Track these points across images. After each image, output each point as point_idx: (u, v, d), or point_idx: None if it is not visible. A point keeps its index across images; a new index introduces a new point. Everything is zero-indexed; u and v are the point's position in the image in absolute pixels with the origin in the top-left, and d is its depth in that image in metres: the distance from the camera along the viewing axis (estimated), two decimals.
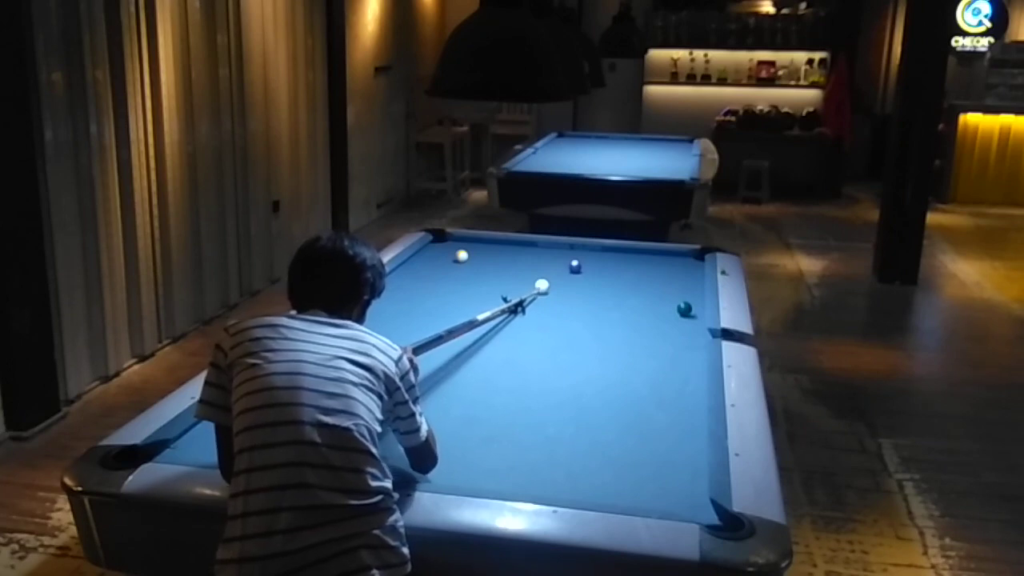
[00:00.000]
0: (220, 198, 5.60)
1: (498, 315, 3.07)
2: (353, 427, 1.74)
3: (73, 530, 2.46)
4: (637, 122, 10.30)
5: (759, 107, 10.50)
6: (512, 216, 6.51)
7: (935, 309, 6.61)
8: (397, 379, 1.88)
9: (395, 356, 1.91)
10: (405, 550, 1.75)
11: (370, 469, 1.74)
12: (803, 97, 10.49)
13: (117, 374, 4.66)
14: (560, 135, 8.50)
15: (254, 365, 1.79)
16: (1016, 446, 4.18)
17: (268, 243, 6.26)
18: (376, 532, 1.71)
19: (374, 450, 1.76)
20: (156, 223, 4.95)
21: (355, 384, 1.80)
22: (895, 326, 6.10)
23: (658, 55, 10.50)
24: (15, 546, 3.20)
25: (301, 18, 6.62)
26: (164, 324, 5.06)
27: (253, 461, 1.71)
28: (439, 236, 4.40)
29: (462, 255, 3.99)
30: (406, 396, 1.90)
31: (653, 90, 10.69)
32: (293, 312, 2.00)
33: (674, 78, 10.75)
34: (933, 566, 3.18)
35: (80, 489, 1.95)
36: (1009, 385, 4.92)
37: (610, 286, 3.69)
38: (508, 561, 1.81)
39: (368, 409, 1.79)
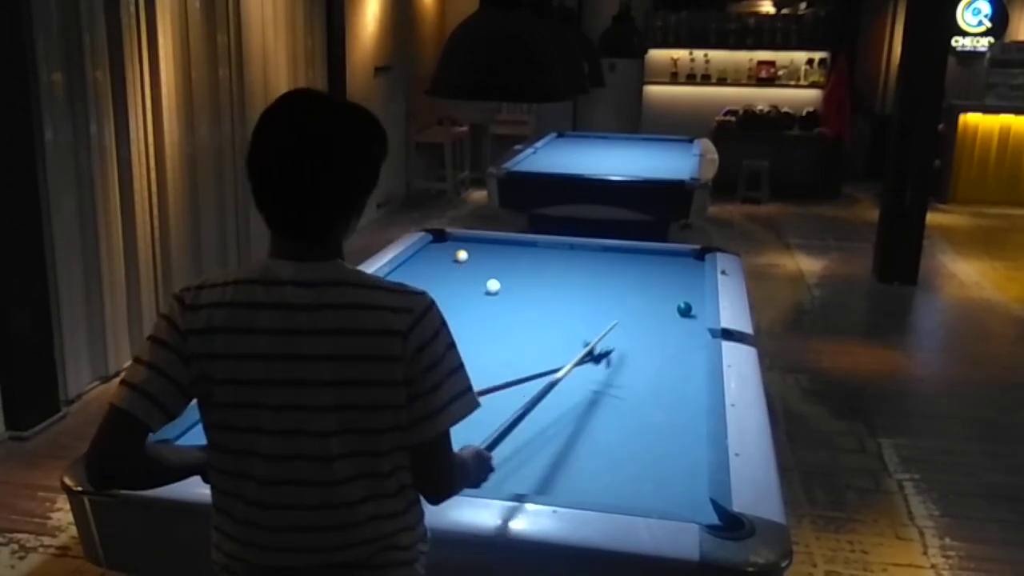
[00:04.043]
0: (220, 198, 5.60)
1: (578, 363, 2.58)
2: None
3: (73, 530, 2.46)
4: (637, 122, 10.30)
5: (759, 107, 10.50)
6: (512, 216, 6.51)
7: (935, 309, 6.61)
8: None
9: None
10: None
11: None
12: (803, 97, 10.49)
13: (117, 374, 4.66)
14: (560, 135, 8.50)
15: None
16: (1016, 446, 4.18)
17: (268, 243, 6.25)
18: None
19: None
20: (156, 223, 4.95)
21: None
22: (895, 326, 6.10)
23: (658, 55, 10.51)
24: (15, 546, 3.20)
25: (301, 18, 6.62)
26: None
27: None
28: (439, 236, 4.40)
29: (462, 255, 3.99)
30: None
31: (653, 90, 10.69)
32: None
33: (674, 78, 10.75)
34: (933, 566, 3.18)
35: (80, 489, 1.95)
36: (1009, 385, 4.92)
37: (610, 286, 3.69)
38: (508, 561, 1.81)
39: None
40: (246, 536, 1.45)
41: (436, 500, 1.55)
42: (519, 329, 3.15)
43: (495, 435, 1.98)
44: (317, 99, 1.46)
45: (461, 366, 1.47)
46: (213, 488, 1.51)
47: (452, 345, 1.47)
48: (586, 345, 2.68)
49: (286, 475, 1.41)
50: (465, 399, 1.46)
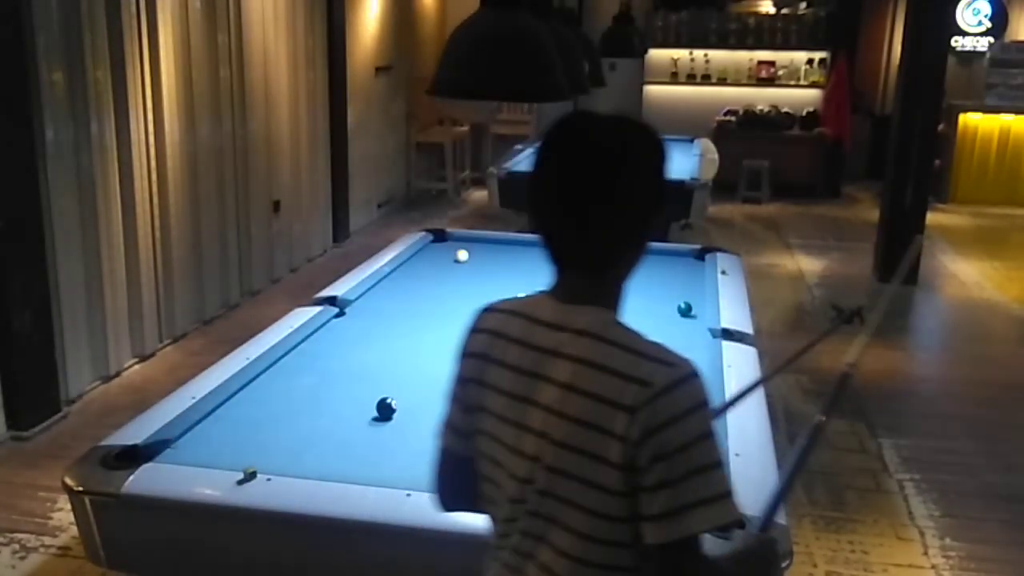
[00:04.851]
0: (220, 198, 5.60)
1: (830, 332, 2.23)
2: None
3: (74, 530, 2.46)
4: None
5: (759, 107, 10.50)
6: (512, 216, 6.51)
7: (935, 309, 6.61)
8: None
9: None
10: None
11: None
12: (803, 97, 10.49)
13: (118, 374, 4.66)
14: None
15: None
16: (1016, 446, 4.18)
17: (268, 243, 6.26)
18: None
19: None
20: (156, 223, 4.95)
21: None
22: (895, 326, 6.10)
23: (658, 55, 10.51)
24: (16, 546, 3.20)
25: (301, 18, 6.62)
26: (165, 324, 5.06)
27: None
28: (439, 236, 4.40)
29: (462, 255, 3.99)
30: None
31: (653, 90, 10.69)
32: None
33: (674, 78, 10.75)
34: (933, 566, 3.18)
35: (81, 489, 1.95)
36: (1009, 385, 4.92)
37: None
38: None
39: None
40: (491, 556, 1.39)
41: None
42: None
43: (772, 502, 1.57)
44: (592, 117, 1.28)
45: (715, 465, 1.19)
46: None
47: (706, 436, 1.18)
48: (836, 310, 2.28)
49: (512, 513, 1.31)
50: (713, 508, 1.18)
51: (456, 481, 1.41)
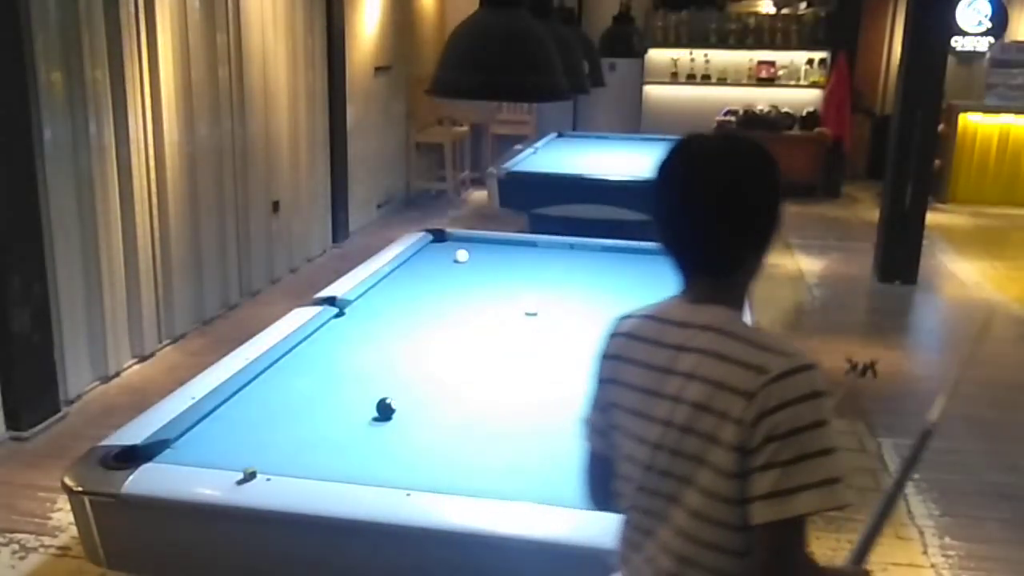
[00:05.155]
0: (220, 198, 5.60)
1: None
2: None
3: (73, 530, 2.46)
4: (637, 122, 10.30)
5: (759, 107, 10.49)
6: (512, 216, 6.51)
7: (935, 309, 6.61)
8: None
9: None
10: None
11: None
12: (803, 97, 10.48)
13: (117, 374, 4.66)
14: (560, 135, 8.50)
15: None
16: (1016, 446, 4.18)
17: (268, 243, 6.26)
18: None
19: None
20: (156, 223, 4.95)
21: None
22: (895, 326, 6.10)
23: (658, 55, 10.50)
24: (15, 546, 3.20)
25: (301, 18, 6.62)
26: (164, 324, 5.06)
27: None
28: (439, 236, 4.40)
29: (462, 255, 3.99)
30: None
31: (653, 90, 10.69)
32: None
33: (674, 78, 10.74)
34: (933, 565, 3.18)
35: (80, 489, 1.95)
36: (1009, 385, 4.92)
37: (610, 286, 3.69)
38: (508, 561, 1.81)
39: None
40: (623, 550, 1.47)
41: None
42: (519, 329, 3.15)
43: (866, 537, 1.66)
44: (708, 139, 1.43)
45: (826, 452, 1.26)
46: None
47: (819, 423, 1.26)
48: (850, 364, 2.37)
49: (636, 500, 1.42)
50: (821, 492, 1.24)
51: (606, 480, 1.50)
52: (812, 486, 1.24)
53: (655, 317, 1.43)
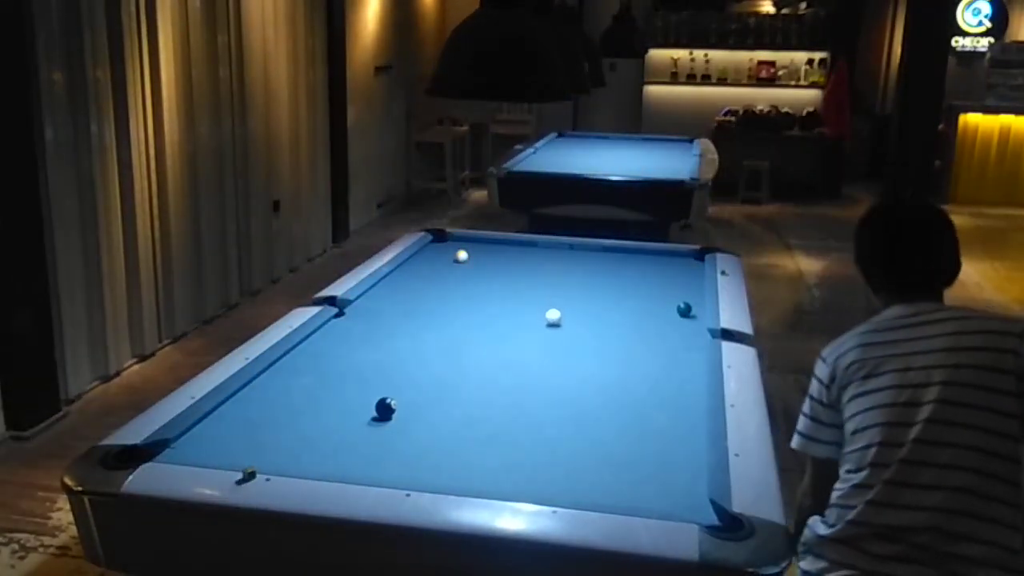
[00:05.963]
0: (220, 198, 5.60)
1: None
2: None
3: (73, 530, 2.46)
4: (637, 122, 10.30)
5: (759, 107, 10.50)
6: (512, 216, 6.51)
7: None
8: None
9: None
10: None
11: None
12: (803, 97, 10.49)
13: (117, 374, 4.67)
14: (560, 135, 8.50)
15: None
16: None
17: (268, 243, 6.26)
18: None
19: None
20: (156, 223, 4.95)
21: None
22: None
23: (658, 55, 10.51)
24: (15, 546, 3.20)
25: (301, 18, 6.62)
26: (164, 324, 5.06)
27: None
28: (439, 236, 4.40)
29: (462, 255, 3.99)
30: None
31: (653, 90, 10.69)
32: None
33: (674, 78, 10.75)
34: None
35: (80, 489, 1.95)
36: None
37: (610, 286, 3.69)
38: (508, 561, 1.81)
39: None
40: (883, 496, 1.72)
41: None
42: (519, 329, 3.15)
43: None
44: (906, 203, 2.10)
45: None
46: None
47: None
48: None
49: (931, 437, 1.71)
50: None
51: (832, 481, 1.84)
52: None
53: (877, 323, 1.86)
